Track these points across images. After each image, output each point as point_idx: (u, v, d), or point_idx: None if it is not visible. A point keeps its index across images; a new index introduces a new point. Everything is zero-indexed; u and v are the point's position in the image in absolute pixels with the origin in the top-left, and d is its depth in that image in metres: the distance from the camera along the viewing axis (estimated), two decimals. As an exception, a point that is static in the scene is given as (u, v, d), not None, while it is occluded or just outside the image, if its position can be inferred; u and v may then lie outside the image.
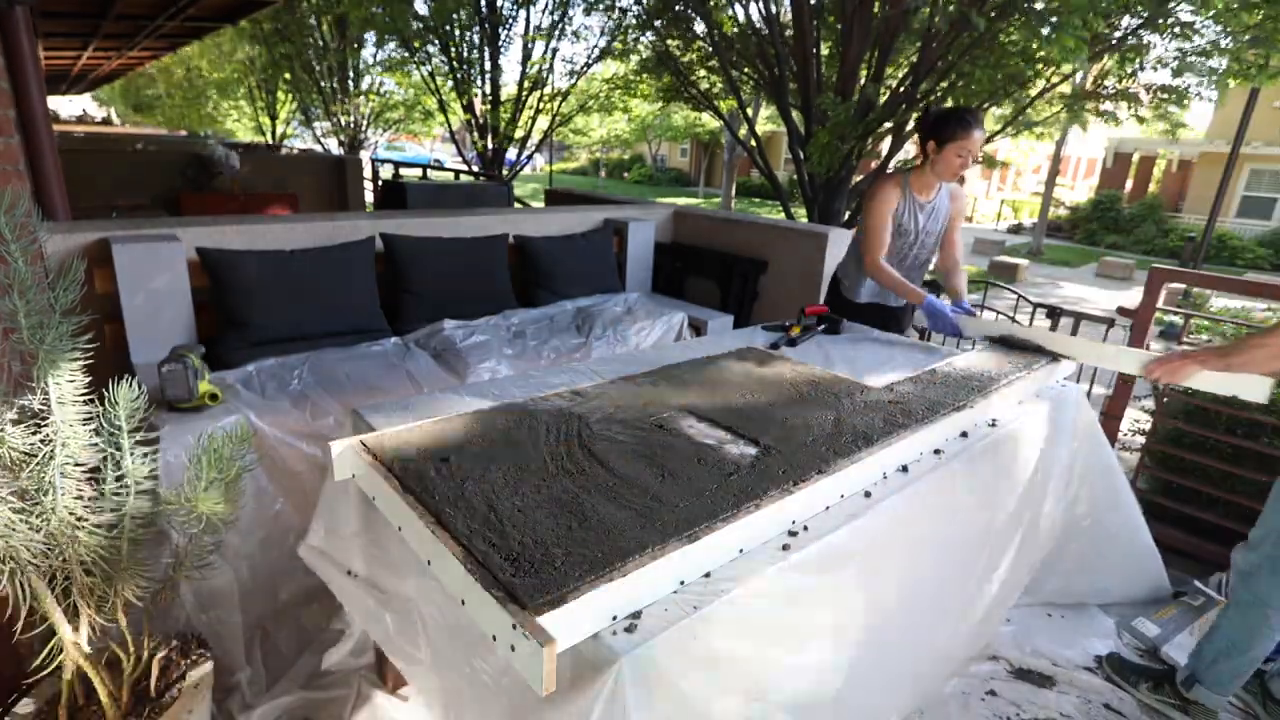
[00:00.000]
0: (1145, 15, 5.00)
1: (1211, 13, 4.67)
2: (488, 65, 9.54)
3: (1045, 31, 4.49)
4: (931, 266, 2.79)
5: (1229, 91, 5.44)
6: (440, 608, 1.19)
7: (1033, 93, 6.05)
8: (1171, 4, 4.92)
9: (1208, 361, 1.77)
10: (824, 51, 6.28)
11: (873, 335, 2.46)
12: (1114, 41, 5.44)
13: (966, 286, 2.67)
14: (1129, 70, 5.72)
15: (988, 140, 7.63)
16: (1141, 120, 6.17)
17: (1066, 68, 5.21)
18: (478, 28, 9.33)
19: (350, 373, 2.38)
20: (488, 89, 9.67)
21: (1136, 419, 2.84)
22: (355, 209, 8.37)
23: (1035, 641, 2.14)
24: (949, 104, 5.82)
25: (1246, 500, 2.46)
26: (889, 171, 2.57)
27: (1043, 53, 4.67)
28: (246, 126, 17.49)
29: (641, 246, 3.95)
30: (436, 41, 9.41)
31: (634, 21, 8.02)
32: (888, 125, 5.77)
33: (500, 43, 9.46)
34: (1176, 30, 5.15)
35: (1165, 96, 5.84)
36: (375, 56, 12.16)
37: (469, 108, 9.82)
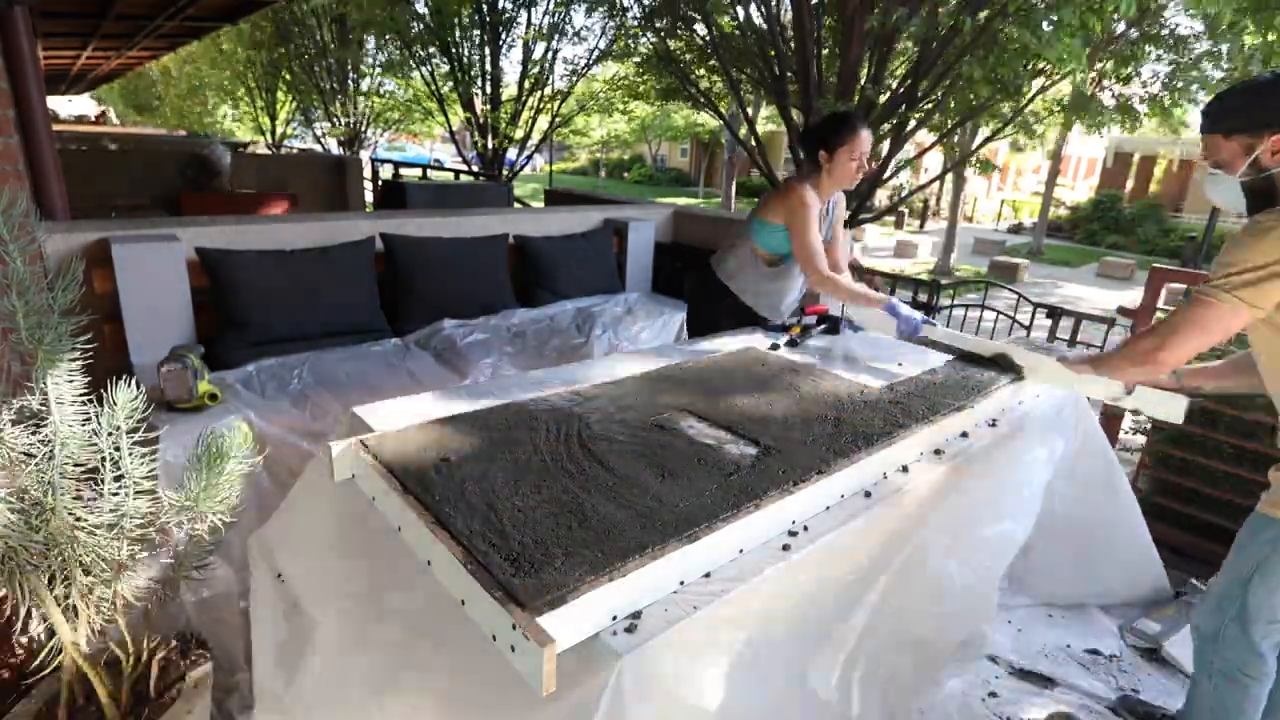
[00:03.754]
0: (1139, 25, 5.01)
1: (1209, 27, 4.67)
2: (488, 66, 9.54)
3: (1045, 29, 4.49)
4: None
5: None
6: (358, 630, 1.18)
7: (1030, 93, 6.06)
8: (1164, 14, 4.94)
9: (1099, 367, 1.74)
10: (824, 52, 6.28)
11: (873, 335, 2.46)
12: (1110, 48, 5.45)
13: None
14: (1124, 74, 5.73)
15: (985, 142, 7.64)
16: (1132, 130, 6.20)
17: (1066, 68, 5.21)
18: (478, 29, 9.33)
19: (350, 373, 2.38)
20: (488, 89, 9.67)
21: (1137, 419, 2.84)
22: (355, 209, 8.36)
23: (1035, 642, 2.14)
24: (950, 105, 5.82)
25: (1247, 500, 2.45)
26: (794, 177, 2.48)
27: (1041, 54, 4.67)
28: (246, 126, 17.48)
29: (641, 246, 3.95)
30: (437, 42, 9.40)
31: (635, 22, 8.02)
32: (888, 126, 5.77)
33: (501, 43, 9.46)
34: (1170, 43, 5.17)
35: (1157, 98, 5.86)
36: (375, 57, 12.16)
37: (469, 108, 9.81)
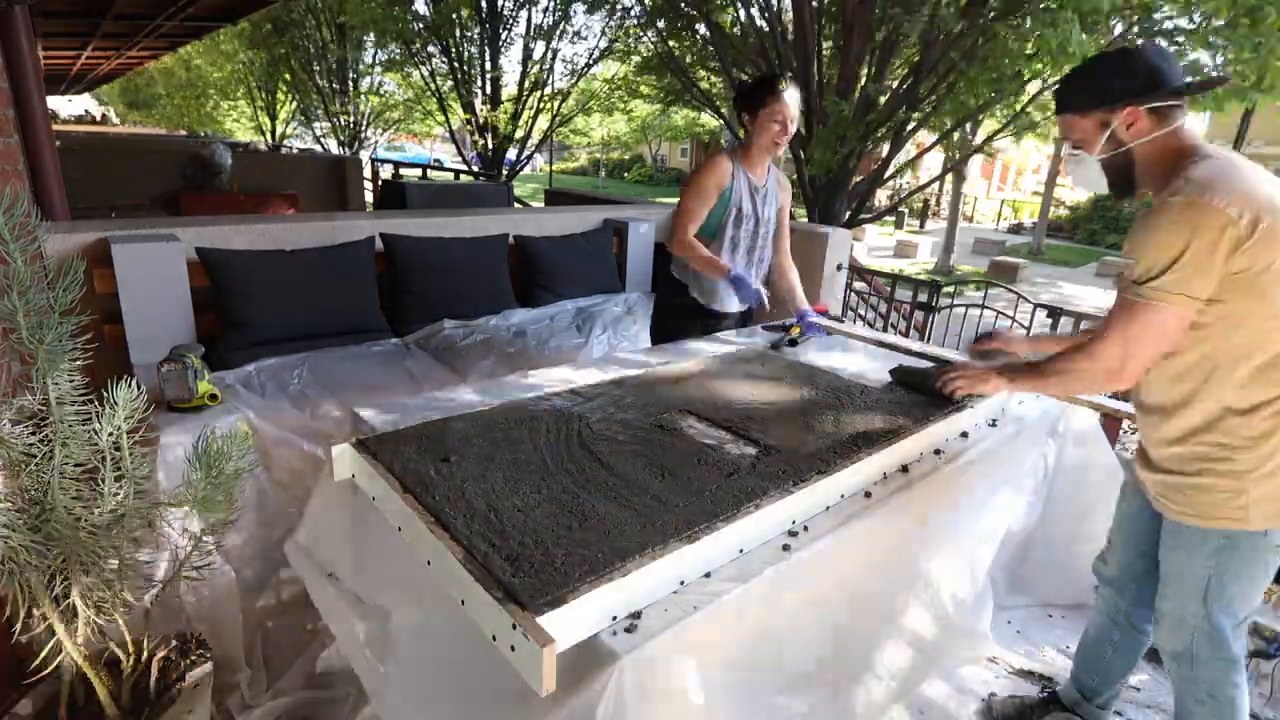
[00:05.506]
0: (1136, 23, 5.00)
1: (1208, 20, 4.66)
2: (488, 66, 9.54)
3: (1041, 31, 4.49)
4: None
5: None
6: (423, 620, 1.18)
7: (1031, 92, 6.05)
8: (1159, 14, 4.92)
9: (1017, 380, 1.52)
10: (824, 51, 6.28)
11: (873, 335, 2.46)
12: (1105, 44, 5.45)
13: (801, 290, 2.51)
14: None
15: (987, 141, 7.64)
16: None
17: (1065, 66, 5.21)
18: (478, 28, 9.33)
19: (350, 373, 2.38)
20: (488, 89, 9.67)
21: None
22: (355, 209, 8.37)
23: (1035, 642, 2.14)
24: (949, 105, 5.81)
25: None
26: (716, 149, 2.39)
27: (1038, 54, 4.67)
28: (246, 126, 17.48)
29: (641, 246, 3.95)
30: (437, 42, 9.41)
31: (635, 22, 8.02)
32: (887, 126, 5.77)
33: (501, 43, 9.46)
34: (1173, 40, 5.16)
35: None
36: (375, 57, 12.17)
37: (469, 108, 9.82)
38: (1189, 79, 1.28)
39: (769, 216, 2.40)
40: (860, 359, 2.16)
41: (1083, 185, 1.40)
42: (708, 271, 2.30)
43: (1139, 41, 1.41)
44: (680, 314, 2.49)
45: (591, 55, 9.42)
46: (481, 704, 1.05)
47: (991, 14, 4.94)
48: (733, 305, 2.48)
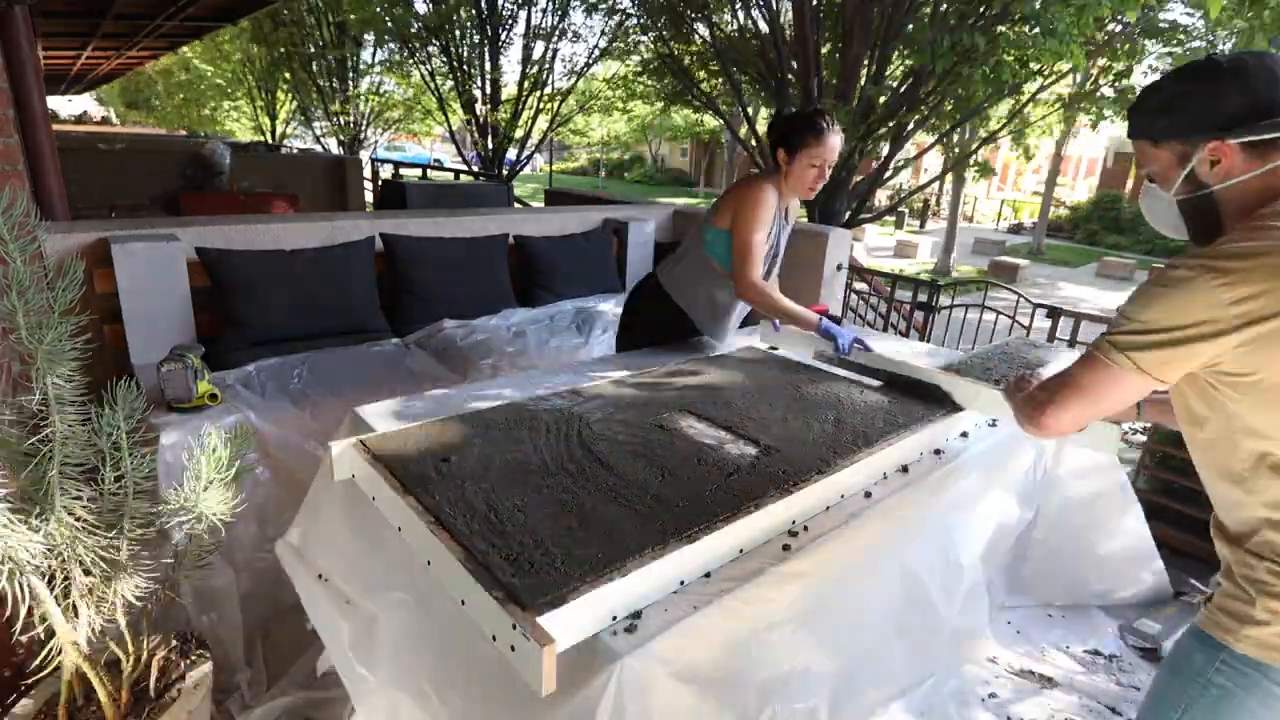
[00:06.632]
0: (1130, 24, 5.00)
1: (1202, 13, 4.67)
2: (488, 65, 9.53)
3: (1039, 32, 4.49)
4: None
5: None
6: (418, 622, 1.17)
7: (1028, 93, 6.05)
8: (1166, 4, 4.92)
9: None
10: (824, 52, 6.28)
11: (873, 336, 2.46)
12: (1104, 43, 5.45)
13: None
14: (1123, 71, 5.72)
15: (985, 142, 7.63)
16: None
17: (1063, 66, 5.21)
18: (478, 28, 9.33)
19: (350, 373, 2.38)
20: (488, 89, 9.67)
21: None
22: (355, 209, 8.37)
23: (1036, 642, 2.14)
24: (948, 106, 5.81)
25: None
26: (758, 173, 2.16)
27: (1036, 55, 4.67)
28: (246, 126, 17.48)
29: (641, 246, 3.95)
30: (437, 42, 9.40)
31: (635, 23, 8.02)
32: (888, 126, 5.77)
33: (500, 43, 9.46)
34: (1170, 37, 5.16)
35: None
36: (375, 56, 12.17)
37: (469, 108, 9.81)
38: None
39: (783, 246, 2.27)
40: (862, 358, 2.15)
41: (1156, 225, 1.13)
42: (791, 323, 2.06)
43: (1244, 52, 1.00)
44: (673, 333, 2.30)
45: (591, 55, 9.42)
46: (481, 705, 1.05)
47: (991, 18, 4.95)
48: (727, 337, 2.34)
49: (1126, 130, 1.11)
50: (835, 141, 2.00)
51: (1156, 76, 1.18)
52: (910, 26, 5.10)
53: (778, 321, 2.19)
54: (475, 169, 10.04)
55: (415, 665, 1.16)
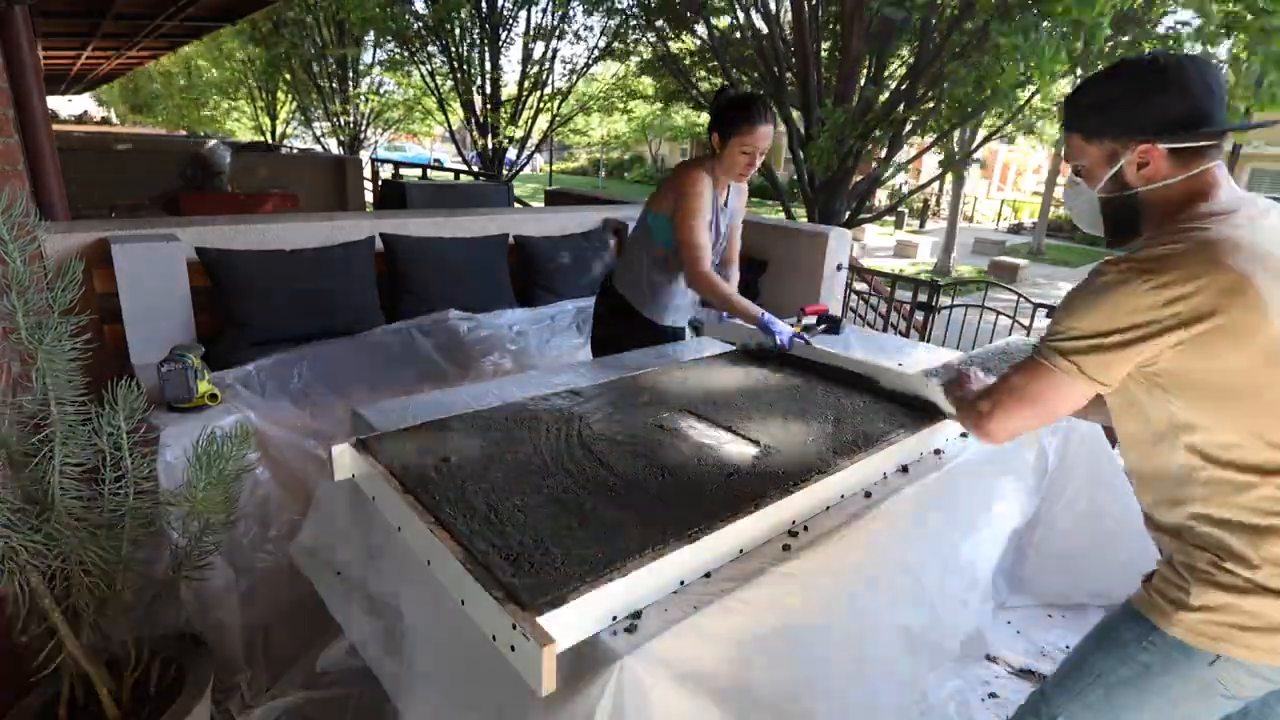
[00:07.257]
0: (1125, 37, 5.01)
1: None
2: (488, 65, 9.54)
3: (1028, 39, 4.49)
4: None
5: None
6: (431, 616, 1.17)
7: (1023, 97, 6.05)
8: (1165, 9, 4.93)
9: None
10: (823, 51, 6.29)
11: (874, 335, 2.46)
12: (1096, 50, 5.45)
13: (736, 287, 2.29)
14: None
15: (984, 142, 7.63)
16: None
17: (1059, 67, 5.22)
18: (478, 28, 9.33)
19: (350, 370, 2.38)
20: (488, 89, 9.68)
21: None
22: (355, 209, 8.37)
23: (1035, 642, 2.14)
24: (944, 108, 5.80)
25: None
26: (695, 158, 2.15)
27: (1026, 60, 4.67)
28: (246, 126, 17.48)
29: (641, 246, 3.94)
30: (437, 41, 9.41)
31: (635, 23, 8.03)
32: (886, 123, 5.78)
33: (500, 43, 9.46)
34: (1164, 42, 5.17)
35: None
36: (375, 56, 12.17)
37: (469, 108, 9.82)
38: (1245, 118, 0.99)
39: (725, 230, 2.24)
40: (859, 356, 2.15)
41: (1076, 219, 1.15)
42: (735, 313, 2.06)
43: (1185, 56, 1.02)
44: (627, 330, 2.30)
45: (591, 55, 9.43)
46: (489, 703, 1.05)
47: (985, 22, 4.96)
48: (682, 320, 2.36)
49: (1062, 121, 1.11)
50: (767, 130, 1.98)
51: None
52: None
53: (725, 313, 2.18)
54: (475, 169, 10.05)
55: (436, 660, 1.16)
